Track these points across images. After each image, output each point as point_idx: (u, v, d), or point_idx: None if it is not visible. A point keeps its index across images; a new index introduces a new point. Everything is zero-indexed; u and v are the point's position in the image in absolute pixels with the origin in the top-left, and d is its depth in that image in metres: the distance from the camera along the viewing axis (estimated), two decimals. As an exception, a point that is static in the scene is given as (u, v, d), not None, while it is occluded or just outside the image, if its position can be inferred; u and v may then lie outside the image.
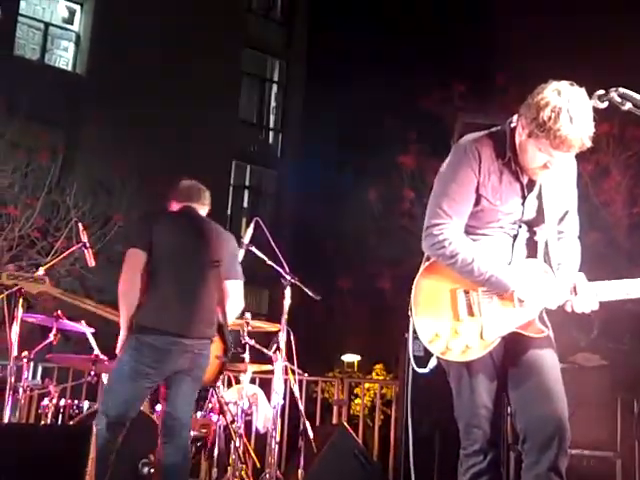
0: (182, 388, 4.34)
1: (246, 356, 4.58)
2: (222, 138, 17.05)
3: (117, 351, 4.26)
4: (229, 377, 6.02)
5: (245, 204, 19.07)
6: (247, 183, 19.13)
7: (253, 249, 4.93)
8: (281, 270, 5.08)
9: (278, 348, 5.07)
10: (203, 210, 4.68)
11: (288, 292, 5.08)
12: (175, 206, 4.67)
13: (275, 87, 20.09)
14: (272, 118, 19.97)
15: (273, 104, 19.97)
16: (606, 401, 6.70)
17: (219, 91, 16.90)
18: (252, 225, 4.75)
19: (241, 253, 4.60)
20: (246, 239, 4.80)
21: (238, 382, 5.75)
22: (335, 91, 15.65)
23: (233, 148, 18.00)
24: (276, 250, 4.96)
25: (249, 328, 5.19)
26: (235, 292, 4.52)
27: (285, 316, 5.05)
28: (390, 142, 12.58)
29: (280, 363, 5.05)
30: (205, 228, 4.53)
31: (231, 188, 18.77)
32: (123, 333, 4.21)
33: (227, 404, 5.25)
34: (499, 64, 13.14)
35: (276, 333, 5.12)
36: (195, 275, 4.36)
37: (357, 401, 13.21)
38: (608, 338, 9.25)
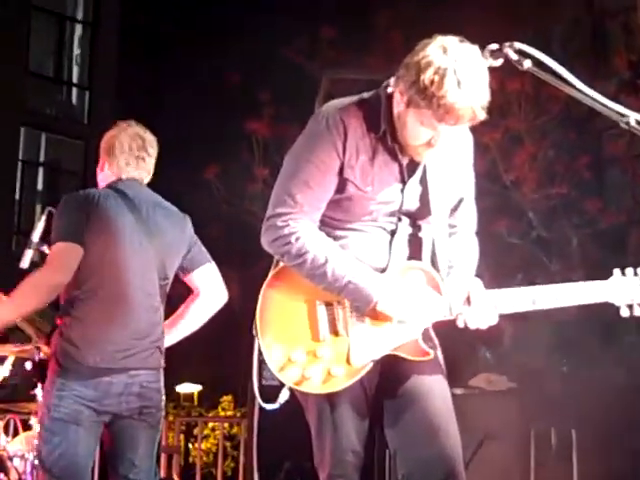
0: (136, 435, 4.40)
1: (38, 392, 4.54)
2: (5, 97, 16.67)
3: None
4: (15, 422, 5.94)
5: (40, 186, 18.72)
6: (42, 158, 18.80)
7: (46, 250, 4.87)
8: None
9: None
10: (147, 178, 4.61)
11: None
12: (107, 174, 4.58)
13: (79, 28, 19.78)
14: (75, 70, 19.67)
15: (77, 51, 19.65)
16: (516, 433, 7.03)
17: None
18: (44, 217, 4.69)
19: (28, 256, 4.57)
20: (35, 236, 4.74)
21: (28, 428, 5.68)
22: (162, 34, 15.51)
23: (21, 111, 17.63)
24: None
25: (41, 355, 5.12)
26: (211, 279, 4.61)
27: None
28: (237, 103, 12.61)
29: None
30: (153, 222, 4.47)
31: (20, 164, 18.39)
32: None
33: (11, 459, 5.20)
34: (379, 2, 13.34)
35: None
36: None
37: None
38: (520, 354, 9.61)
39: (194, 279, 4.59)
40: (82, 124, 19.13)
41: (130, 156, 4.52)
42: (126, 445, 4.38)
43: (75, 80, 19.68)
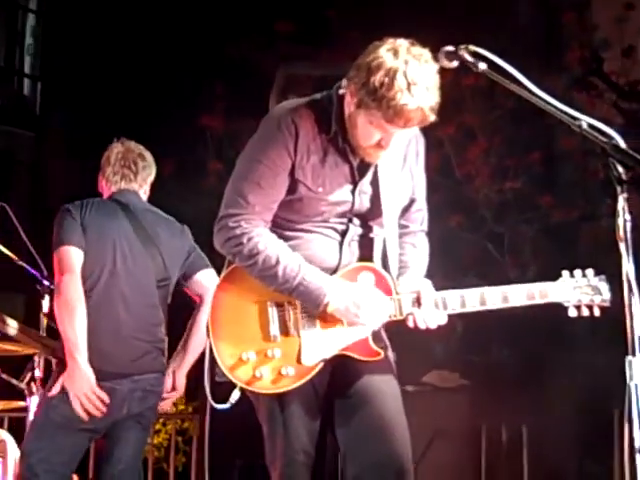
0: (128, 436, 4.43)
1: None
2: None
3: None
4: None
5: (-9, 178, 18.55)
6: (-7, 150, 18.62)
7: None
8: (36, 273, 5.06)
9: (33, 378, 5.02)
10: (143, 192, 4.73)
11: (46, 302, 5.04)
12: (106, 189, 4.69)
13: (32, 18, 19.59)
14: (28, 60, 19.47)
15: (29, 41, 19.47)
16: (467, 429, 7.08)
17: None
18: (-5, 211, 4.70)
19: None
20: (-13, 231, 4.75)
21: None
22: (115, 26, 15.40)
23: (-28, 101, 17.44)
24: (30, 246, 4.96)
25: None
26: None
27: (43, 334, 5.01)
28: (191, 98, 12.55)
29: (37, 398, 4.99)
30: (150, 227, 4.56)
31: (-30, 156, 18.22)
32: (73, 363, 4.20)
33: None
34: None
35: (31, 357, 5.06)
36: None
37: (148, 440, 13.16)
38: (472, 349, 9.65)
39: (194, 284, 4.66)
40: (34, 115, 18.97)
41: (117, 168, 4.65)
42: (116, 444, 4.43)
43: (27, 70, 19.50)
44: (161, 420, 12.25)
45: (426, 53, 3.13)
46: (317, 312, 3.29)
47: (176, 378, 4.63)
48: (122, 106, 13.73)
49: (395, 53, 3.09)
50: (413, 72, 3.06)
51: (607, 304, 3.42)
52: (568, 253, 10.22)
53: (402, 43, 3.13)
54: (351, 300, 3.27)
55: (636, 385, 2.57)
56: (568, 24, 12.82)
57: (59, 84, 18.41)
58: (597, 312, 3.43)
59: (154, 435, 9.43)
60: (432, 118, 3.15)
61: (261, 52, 11.66)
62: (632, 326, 2.61)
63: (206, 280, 4.61)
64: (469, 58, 3.02)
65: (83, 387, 4.16)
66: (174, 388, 4.66)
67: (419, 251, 3.60)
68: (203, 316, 4.55)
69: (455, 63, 3.07)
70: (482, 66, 3.01)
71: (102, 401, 4.19)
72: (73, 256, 4.32)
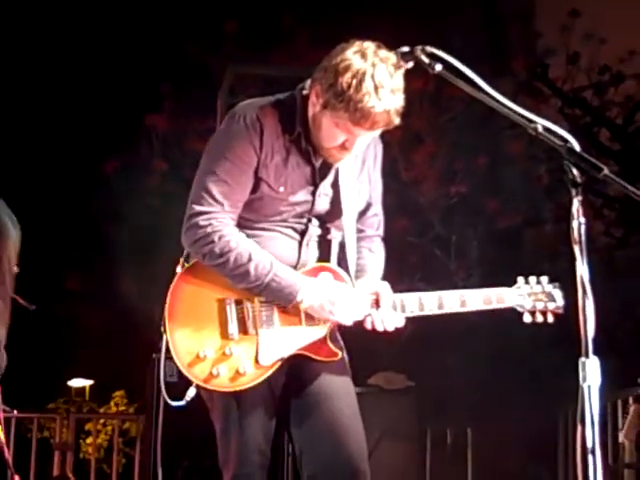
0: None
1: None
2: None
3: None
4: None
5: None
6: None
7: None
8: None
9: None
10: None
11: None
12: None
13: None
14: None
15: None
16: (413, 431, 7.12)
17: None
18: None
19: None
20: None
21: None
22: (60, 21, 15.22)
23: None
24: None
25: None
26: None
27: None
28: (137, 97, 12.48)
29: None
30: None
31: None
32: None
33: None
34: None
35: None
36: None
37: (89, 440, 13.05)
38: (418, 351, 9.71)
39: None
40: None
41: None
42: None
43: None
44: (102, 421, 12.23)
45: (392, 56, 3.13)
46: (290, 308, 3.29)
47: None
48: (66, 103, 13.60)
49: (363, 55, 3.11)
50: (380, 75, 3.09)
51: (560, 311, 3.46)
52: (513, 257, 10.33)
53: (369, 46, 3.15)
54: (326, 297, 3.29)
55: (589, 386, 2.59)
56: (513, 33, 12.96)
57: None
58: (550, 318, 3.47)
59: (94, 436, 9.39)
60: (397, 121, 3.18)
61: (209, 53, 11.64)
62: (585, 328, 2.63)
63: None
64: (425, 59, 3.02)
65: None
66: None
67: (376, 256, 3.63)
68: None
69: (411, 64, 3.09)
70: (438, 67, 3.01)
71: None
72: None
